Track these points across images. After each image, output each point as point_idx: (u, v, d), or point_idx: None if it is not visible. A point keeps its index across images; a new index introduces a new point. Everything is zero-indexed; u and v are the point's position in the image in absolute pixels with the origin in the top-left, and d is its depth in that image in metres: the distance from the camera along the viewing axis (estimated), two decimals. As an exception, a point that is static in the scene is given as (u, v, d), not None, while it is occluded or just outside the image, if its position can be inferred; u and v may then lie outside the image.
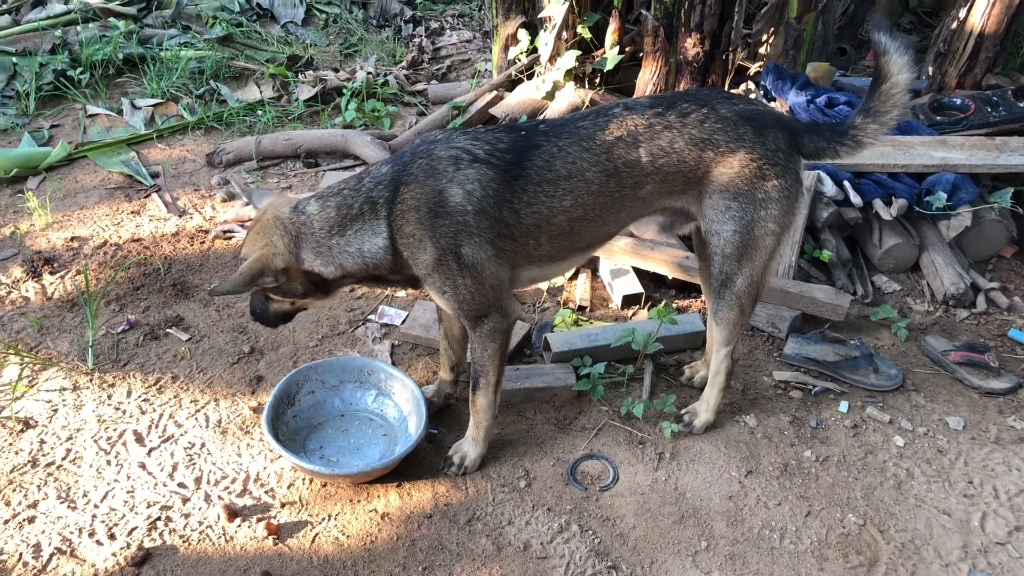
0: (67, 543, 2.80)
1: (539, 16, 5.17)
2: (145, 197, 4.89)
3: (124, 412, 3.36)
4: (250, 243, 2.81)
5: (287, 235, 2.75)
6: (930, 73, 5.22)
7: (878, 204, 4.11)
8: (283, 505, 2.98)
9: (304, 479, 3.08)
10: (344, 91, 5.97)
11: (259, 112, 5.82)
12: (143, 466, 3.11)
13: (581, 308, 4.00)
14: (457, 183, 2.67)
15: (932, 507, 3.03)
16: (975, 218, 4.16)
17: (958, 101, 4.71)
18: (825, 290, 3.83)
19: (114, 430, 3.27)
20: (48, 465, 3.10)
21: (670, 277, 4.02)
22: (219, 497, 2.99)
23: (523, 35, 5.29)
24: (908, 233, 4.20)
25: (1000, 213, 4.24)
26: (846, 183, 4.09)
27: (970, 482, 3.14)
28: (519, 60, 5.40)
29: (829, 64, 5.37)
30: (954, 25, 5.11)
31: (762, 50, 5.30)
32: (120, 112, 5.78)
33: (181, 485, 3.04)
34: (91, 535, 2.83)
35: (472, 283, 2.74)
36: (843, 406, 3.45)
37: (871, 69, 6.36)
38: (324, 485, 3.05)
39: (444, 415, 3.39)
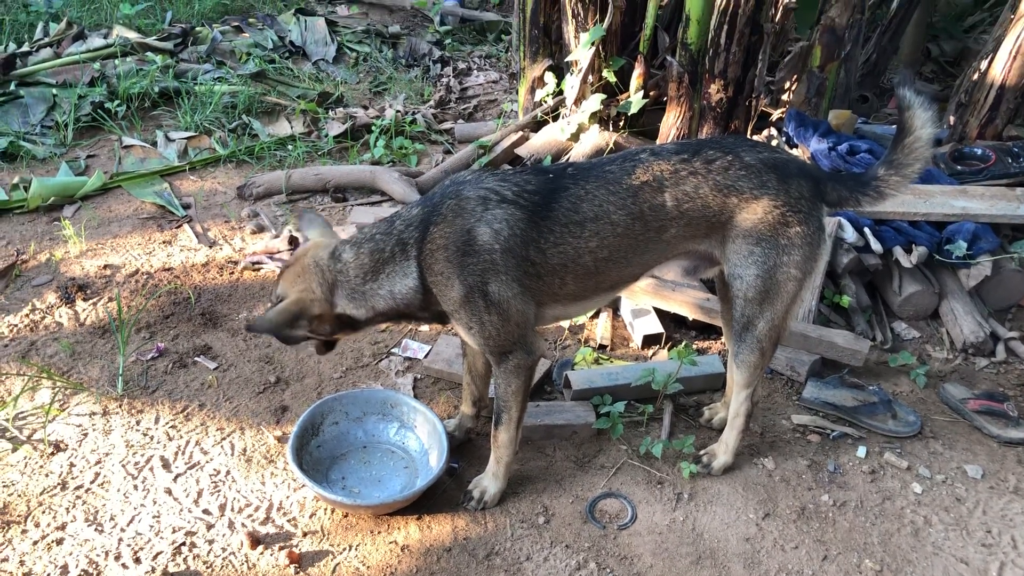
0: (94, 566, 2.86)
1: (566, 60, 5.29)
2: (177, 227, 5.00)
3: (152, 438, 3.43)
4: (288, 283, 2.89)
5: (325, 283, 2.85)
6: (951, 123, 5.27)
7: (898, 251, 4.15)
8: (305, 534, 3.03)
9: (326, 509, 3.13)
10: (373, 128, 6.09)
11: (289, 147, 5.96)
12: (169, 491, 3.17)
13: (602, 347, 4.05)
14: (485, 222, 2.75)
15: (950, 555, 3.03)
16: (995, 267, 4.18)
17: (979, 151, 4.76)
18: (845, 335, 3.86)
19: (142, 455, 3.33)
20: (77, 488, 3.17)
21: (690, 318, 4.07)
22: (243, 524, 3.05)
23: (549, 77, 5.41)
24: (928, 281, 4.23)
25: (1020, 263, 4.26)
26: (866, 230, 4.13)
27: (988, 531, 3.14)
28: (545, 102, 5.51)
29: (851, 112, 5.44)
30: (975, 76, 5.17)
31: (784, 97, 5.39)
32: (154, 144, 5.93)
33: (206, 511, 3.10)
34: (117, 558, 2.89)
35: (498, 320, 2.80)
36: (861, 451, 3.47)
37: (892, 117, 6.45)
38: (346, 515, 3.10)
39: (465, 449, 3.43)
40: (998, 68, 4.93)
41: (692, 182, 2.86)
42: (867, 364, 3.87)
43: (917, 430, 3.56)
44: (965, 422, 3.67)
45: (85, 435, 3.42)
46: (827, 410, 3.66)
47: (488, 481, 3.16)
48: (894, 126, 5.75)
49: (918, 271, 4.24)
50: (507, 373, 2.94)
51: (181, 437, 3.44)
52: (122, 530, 3.00)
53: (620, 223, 2.85)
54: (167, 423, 3.51)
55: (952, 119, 5.31)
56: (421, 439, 3.37)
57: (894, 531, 3.12)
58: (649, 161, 2.89)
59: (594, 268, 2.90)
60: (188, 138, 5.99)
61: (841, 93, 5.81)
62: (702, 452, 3.39)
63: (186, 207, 5.21)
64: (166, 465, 3.30)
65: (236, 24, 8.06)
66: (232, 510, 3.11)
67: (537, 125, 5.60)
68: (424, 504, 3.13)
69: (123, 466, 3.28)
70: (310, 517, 3.10)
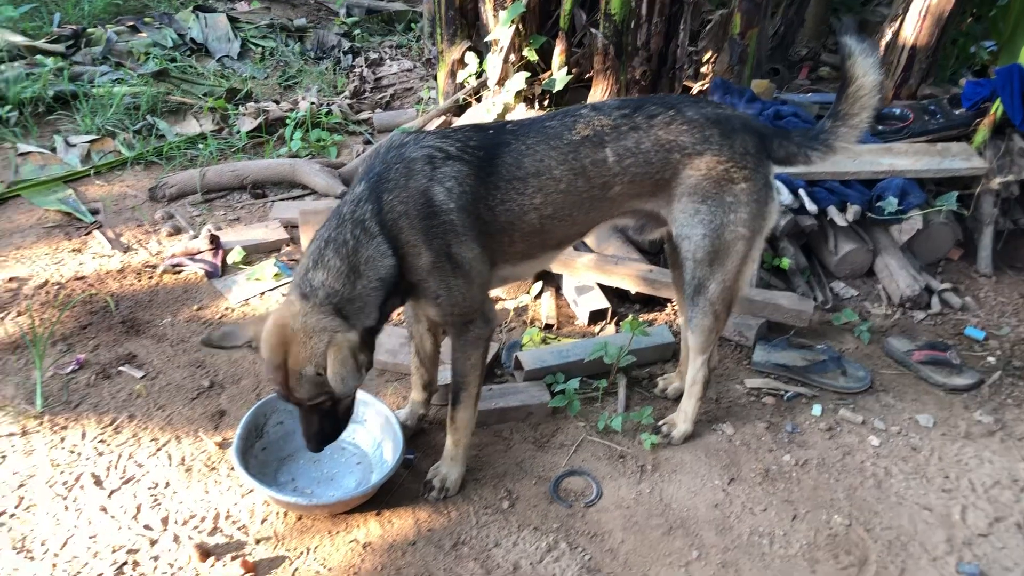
0: (27, 595, 2.62)
1: (484, 40, 5.18)
2: (86, 234, 4.70)
3: (79, 455, 3.17)
4: (307, 348, 2.49)
5: (332, 314, 2.53)
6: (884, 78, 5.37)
7: (832, 211, 4.18)
8: (258, 541, 2.84)
9: (278, 512, 2.94)
10: (288, 121, 5.87)
11: (200, 145, 5.68)
12: (104, 509, 2.94)
13: (548, 326, 3.96)
14: (437, 181, 2.62)
15: (913, 503, 3.05)
16: (924, 222, 4.26)
17: (897, 111, 4.85)
18: (789, 297, 3.86)
19: (70, 474, 3.08)
20: (0, 514, 2.91)
21: (634, 291, 4.01)
22: (189, 537, 2.84)
23: (471, 58, 5.29)
24: (862, 239, 4.28)
25: (946, 216, 4.35)
26: (801, 191, 4.15)
27: (946, 477, 3.17)
28: (467, 83, 5.38)
29: (768, 81, 5.49)
30: (886, 39, 5.28)
31: (705, 68, 5.39)
32: (54, 150, 5.57)
33: (147, 527, 2.87)
34: (53, 585, 2.65)
35: (463, 283, 2.68)
36: (816, 410, 3.47)
37: (803, 87, 6.56)
38: (300, 518, 2.93)
39: (419, 440, 3.29)
40: (908, 30, 5.05)
41: (633, 137, 2.78)
42: (811, 325, 3.88)
43: (867, 385, 3.59)
44: (911, 373, 3.71)
45: (4, 458, 3.15)
46: (779, 372, 3.65)
47: (447, 467, 3.03)
48: (810, 94, 5.87)
49: (852, 230, 4.29)
50: (466, 345, 2.83)
51: (112, 451, 3.20)
52: (55, 555, 2.76)
53: (563, 179, 2.75)
54: (95, 437, 3.26)
55: (868, 82, 5.40)
56: (372, 433, 3.22)
57: (857, 484, 3.12)
58: (590, 116, 2.81)
59: (540, 226, 2.80)
60: (91, 142, 5.65)
61: (754, 66, 5.87)
62: (661, 423, 3.33)
63: (94, 213, 4.90)
64: (98, 482, 3.05)
65: (131, 24, 7.69)
66: (176, 523, 2.89)
67: (460, 109, 5.47)
68: (382, 499, 2.98)
69: (50, 487, 3.02)
70: (261, 523, 2.91)
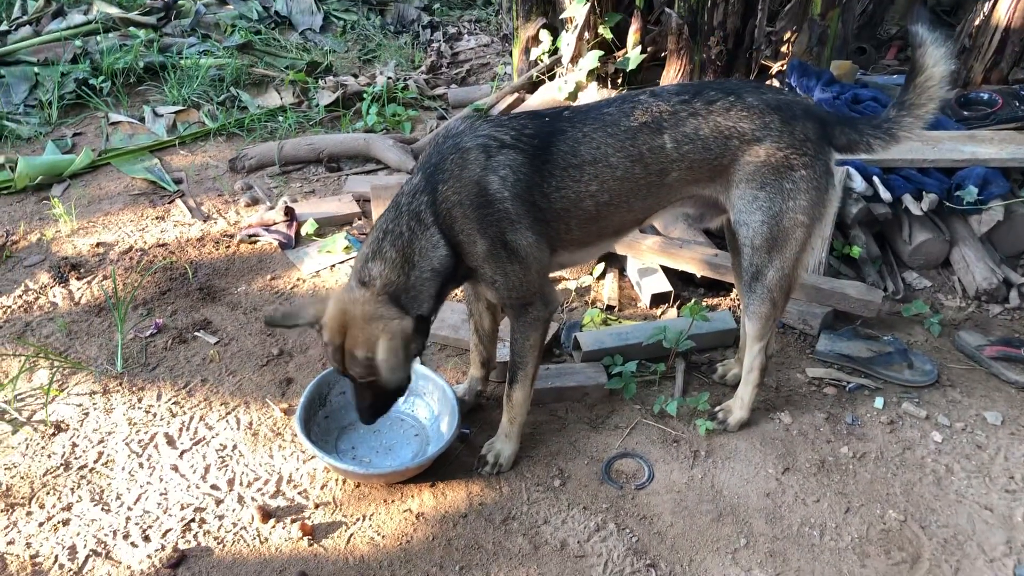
0: (102, 545, 2.78)
1: (560, 18, 5.17)
2: (169, 203, 4.90)
3: (155, 415, 3.35)
4: (363, 332, 2.58)
5: (387, 303, 2.61)
6: (954, 69, 5.18)
7: (908, 199, 4.07)
8: (317, 506, 2.96)
9: (337, 480, 3.06)
10: (364, 96, 5.97)
11: (280, 118, 5.84)
12: (175, 468, 3.10)
13: (609, 308, 3.98)
14: (491, 170, 2.66)
15: (973, 502, 2.98)
16: (1006, 213, 4.11)
17: (985, 96, 4.67)
18: (857, 286, 3.79)
19: (145, 433, 3.26)
20: (81, 468, 3.10)
21: (699, 275, 3.99)
22: (252, 498, 2.97)
23: (544, 36, 5.29)
24: (938, 229, 4.16)
25: (1031, 207, 4.19)
26: (875, 179, 4.05)
27: (1011, 477, 3.08)
28: (541, 61, 5.40)
29: (851, 62, 5.33)
30: (979, 20, 5.07)
31: (785, 48, 5.27)
32: (142, 120, 5.81)
33: (214, 487, 3.03)
34: (126, 537, 2.82)
35: (520, 269, 2.73)
36: (878, 402, 3.41)
37: (891, 67, 6.35)
38: (358, 486, 3.03)
39: (475, 415, 3.36)
40: (1002, 11, 4.84)
41: (692, 123, 2.76)
42: (880, 315, 3.80)
43: (934, 379, 3.50)
44: (982, 369, 3.61)
45: (86, 415, 3.34)
46: (842, 362, 3.60)
47: (501, 444, 3.09)
48: (895, 76, 5.69)
49: (928, 219, 4.17)
50: (525, 327, 2.88)
51: (184, 413, 3.36)
52: (129, 508, 2.93)
53: (619, 166, 2.76)
54: (169, 399, 3.43)
55: (955, 65, 5.21)
56: (431, 406, 3.30)
57: (916, 480, 3.07)
58: (648, 102, 2.80)
59: (596, 213, 2.81)
60: (176, 112, 5.87)
61: (838, 45, 5.70)
62: (717, 408, 3.33)
63: (178, 182, 5.10)
64: (171, 442, 3.22)
65: (220, -4, 7.90)
66: (241, 484, 3.04)
67: (533, 86, 5.49)
68: (437, 471, 3.07)
69: (127, 444, 3.20)
70: (321, 488, 3.03)
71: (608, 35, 5.02)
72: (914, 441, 3.24)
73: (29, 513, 2.90)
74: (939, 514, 2.93)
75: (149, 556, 2.75)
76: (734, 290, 4.03)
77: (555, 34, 5.30)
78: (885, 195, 4.03)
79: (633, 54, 4.91)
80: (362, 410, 2.80)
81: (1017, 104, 4.56)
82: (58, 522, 2.86)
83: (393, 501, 2.97)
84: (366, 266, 2.67)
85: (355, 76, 6.50)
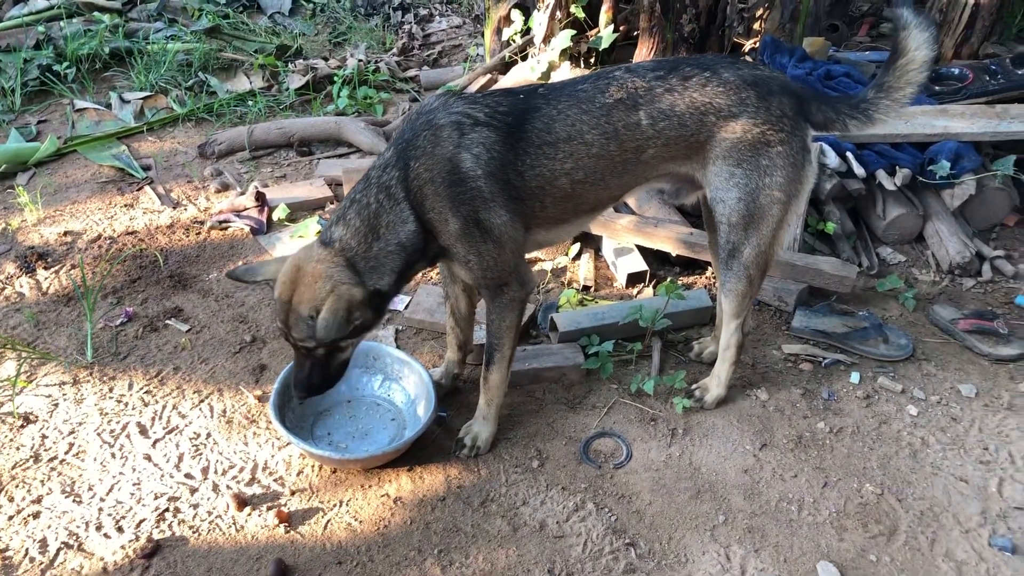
0: (74, 537, 2.74)
1: (531, -3, 5.13)
2: (138, 190, 4.82)
3: (126, 405, 3.30)
4: (310, 290, 2.58)
5: (342, 266, 2.60)
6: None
7: (881, 174, 4.08)
8: (293, 493, 2.93)
9: (313, 466, 3.03)
10: (335, 79, 5.90)
11: (250, 102, 5.76)
12: (148, 458, 3.05)
13: (585, 288, 3.96)
14: (464, 148, 2.62)
15: (949, 474, 3.00)
16: (978, 186, 4.13)
17: (956, 71, 4.69)
18: (831, 262, 3.79)
19: (117, 423, 3.21)
20: (51, 460, 3.04)
21: (674, 254, 3.98)
22: (227, 487, 2.94)
23: (516, 16, 5.24)
24: (912, 203, 4.17)
25: (1003, 181, 4.20)
26: (849, 154, 4.05)
27: (985, 448, 3.11)
28: (513, 41, 5.35)
29: (824, 39, 5.33)
30: (950, -6, 5.08)
31: (756, 25, 5.27)
32: (109, 106, 5.70)
33: (188, 476, 2.98)
34: (98, 528, 2.77)
35: (494, 248, 2.70)
36: (854, 377, 3.42)
37: (863, 44, 6.35)
38: (334, 471, 3.00)
39: (452, 399, 3.34)
40: (972, -15, 4.85)
41: (667, 99, 2.74)
42: (854, 290, 3.81)
43: (909, 353, 3.52)
44: (956, 342, 3.63)
45: (56, 405, 3.29)
46: (818, 338, 3.61)
47: (479, 426, 3.07)
48: (868, 52, 5.69)
49: (901, 194, 4.18)
50: (501, 307, 2.85)
51: (157, 402, 3.31)
52: (101, 500, 2.88)
53: (595, 143, 2.73)
54: (141, 388, 3.38)
55: (927, 40, 5.22)
56: (407, 390, 3.28)
57: (892, 454, 3.09)
58: (623, 79, 2.77)
59: (571, 191, 2.79)
60: (144, 98, 5.77)
61: (810, 23, 5.70)
62: (694, 386, 3.32)
63: (146, 169, 5.02)
64: (143, 431, 3.17)
65: (186, -20, 7.76)
66: (216, 473, 3.00)
67: (506, 67, 5.45)
68: (415, 455, 3.04)
69: (98, 435, 3.15)
70: (297, 475, 3.00)
71: (580, 14, 4.98)
72: (890, 415, 3.26)
73: (-2, 506, 2.85)
74: (915, 486, 2.95)
75: (123, 547, 2.71)
76: (709, 268, 4.03)
77: (527, 14, 5.26)
78: (859, 171, 4.03)
79: (606, 33, 4.88)
80: (299, 382, 2.75)
81: (987, 78, 4.58)
82: (28, 515, 2.81)
83: (370, 486, 2.95)
84: (330, 229, 2.68)
85: (325, 59, 6.42)
